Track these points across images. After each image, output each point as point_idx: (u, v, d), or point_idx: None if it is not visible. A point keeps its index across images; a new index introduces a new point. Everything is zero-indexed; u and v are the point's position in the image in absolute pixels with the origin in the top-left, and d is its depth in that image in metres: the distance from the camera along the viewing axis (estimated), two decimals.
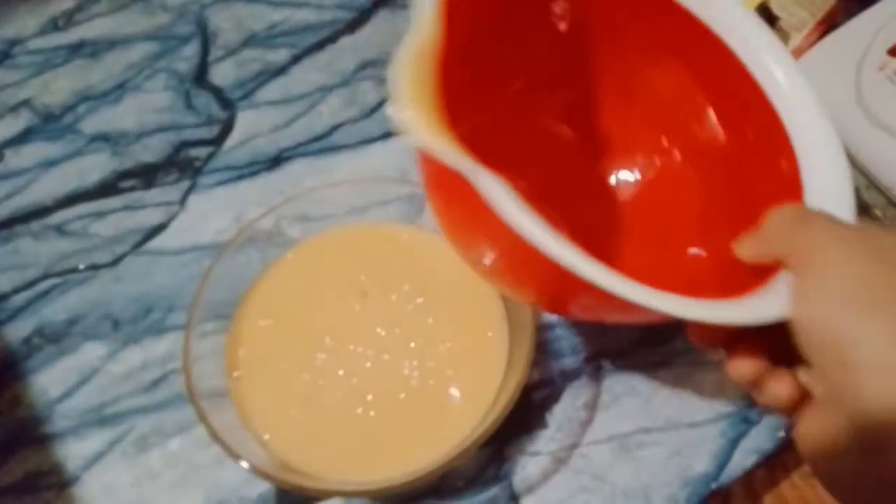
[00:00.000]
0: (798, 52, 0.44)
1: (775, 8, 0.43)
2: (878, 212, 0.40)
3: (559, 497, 0.32)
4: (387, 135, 0.43)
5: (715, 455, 0.33)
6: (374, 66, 0.46)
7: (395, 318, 0.32)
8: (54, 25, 0.48)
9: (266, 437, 0.29)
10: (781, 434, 0.33)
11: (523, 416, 0.33)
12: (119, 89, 0.45)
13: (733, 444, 0.33)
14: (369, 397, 0.30)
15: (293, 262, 0.34)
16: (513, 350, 0.32)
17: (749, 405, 0.34)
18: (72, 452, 0.33)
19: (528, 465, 0.32)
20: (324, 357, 0.31)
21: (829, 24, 0.44)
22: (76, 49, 0.47)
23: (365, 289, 0.33)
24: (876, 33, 0.40)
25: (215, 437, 0.28)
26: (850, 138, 0.40)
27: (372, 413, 0.29)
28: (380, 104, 0.44)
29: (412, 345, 0.31)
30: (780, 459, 0.36)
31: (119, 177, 0.41)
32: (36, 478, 0.32)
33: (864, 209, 0.40)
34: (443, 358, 0.31)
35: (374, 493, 0.27)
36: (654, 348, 0.36)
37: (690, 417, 0.34)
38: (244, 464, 0.27)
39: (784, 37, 0.44)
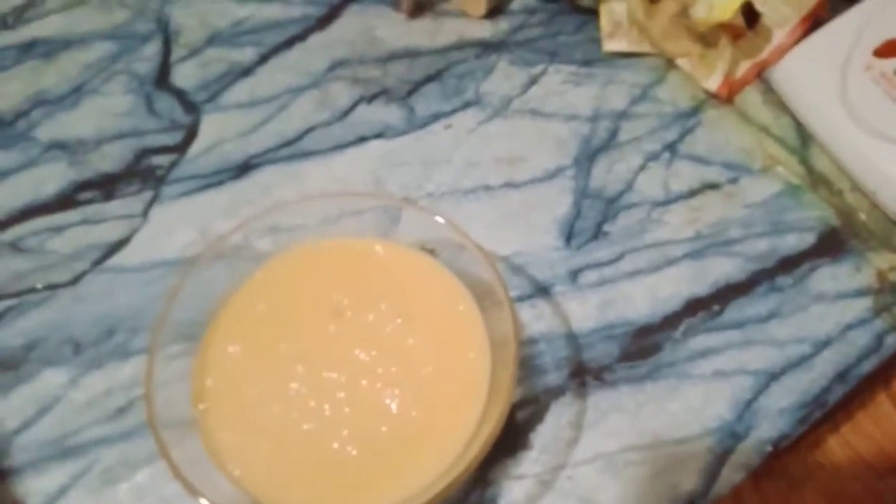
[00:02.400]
0: (781, 51, 0.43)
1: (758, 4, 0.42)
2: (862, 215, 0.39)
3: None
4: (360, 139, 0.41)
5: (703, 472, 0.32)
6: (345, 66, 0.44)
7: (373, 341, 0.31)
8: (3, 23, 0.45)
9: (236, 472, 0.28)
10: (770, 448, 0.33)
11: (507, 437, 0.32)
12: (75, 93, 0.43)
13: (721, 460, 0.32)
14: (345, 432, 0.28)
15: (262, 280, 0.33)
16: (496, 370, 0.30)
17: (738, 418, 0.33)
18: (32, 488, 0.31)
19: (513, 489, 0.31)
20: (296, 386, 0.29)
21: (812, 21, 0.43)
22: (28, 49, 0.44)
23: (340, 309, 0.32)
24: (861, 32, 0.39)
25: (177, 473, 0.26)
26: (834, 140, 0.40)
27: (349, 447, 0.28)
28: (353, 106, 0.42)
29: (393, 370, 0.30)
30: (767, 467, 0.35)
31: (77, 188, 0.39)
32: None
33: (847, 213, 0.39)
34: (424, 383, 0.30)
35: None
36: (640, 361, 0.35)
37: (678, 433, 0.33)
38: (203, 501, 0.25)
39: (767, 34, 0.43)
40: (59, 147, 0.41)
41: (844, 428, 0.39)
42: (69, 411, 0.33)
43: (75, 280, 0.36)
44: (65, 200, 0.39)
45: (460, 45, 0.45)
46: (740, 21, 0.42)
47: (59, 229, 0.38)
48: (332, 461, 0.28)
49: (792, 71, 0.41)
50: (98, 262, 0.37)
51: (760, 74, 0.43)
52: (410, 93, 0.43)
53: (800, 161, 0.41)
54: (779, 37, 0.43)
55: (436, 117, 0.42)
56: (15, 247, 0.37)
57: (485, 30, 0.45)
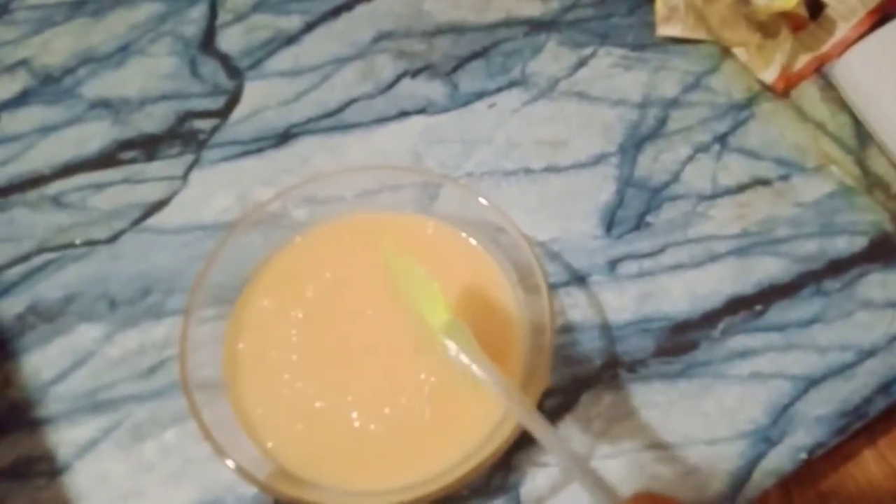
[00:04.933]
0: (844, 45, 0.41)
1: None
2: None
3: None
4: (402, 114, 0.41)
5: (731, 475, 0.31)
6: (390, 38, 0.43)
7: (405, 318, 0.31)
8: None
9: (263, 437, 0.28)
10: (803, 455, 0.32)
11: None
12: (122, 52, 0.43)
13: (752, 464, 0.32)
14: (371, 408, 0.28)
15: (299, 248, 0.33)
16: (531, 355, 0.30)
17: (772, 423, 0.33)
18: (64, 438, 0.32)
19: (536, 477, 0.31)
20: (329, 360, 0.29)
21: (879, 16, 0.41)
22: (78, 6, 0.44)
23: (374, 282, 0.32)
24: None
25: (206, 434, 0.26)
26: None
27: (373, 423, 0.28)
28: (396, 80, 0.42)
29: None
30: (798, 475, 0.34)
31: (120, 147, 0.39)
32: (27, 463, 0.31)
33: None
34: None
35: None
36: (675, 357, 0.34)
37: (708, 434, 0.32)
38: (230, 462, 0.25)
39: (830, 26, 0.41)
40: (104, 105, 0.41)
41: (882, 441, 0.37)
42: (102, 366, 0.33)
43: (114, 238, 0.37)
44: (107, 158, 0.39)
45: (509, 23, 0.44)
46: (803, 11, 0.41)
47: (100, 186, 0.38)
48: (360, 435, 0.28)
49: (855, 67, 0.40)
50: (137, 221, 0.37)
51: (820, 69, 0.41)
52: (455, 69, 0.42)
53: (856, 161, 0.39)
54: (843, 30, 0.41)
55: (479, 95, 0.41)
56: (57, 201, 0.38)
57: (535, 8, 0.44)
